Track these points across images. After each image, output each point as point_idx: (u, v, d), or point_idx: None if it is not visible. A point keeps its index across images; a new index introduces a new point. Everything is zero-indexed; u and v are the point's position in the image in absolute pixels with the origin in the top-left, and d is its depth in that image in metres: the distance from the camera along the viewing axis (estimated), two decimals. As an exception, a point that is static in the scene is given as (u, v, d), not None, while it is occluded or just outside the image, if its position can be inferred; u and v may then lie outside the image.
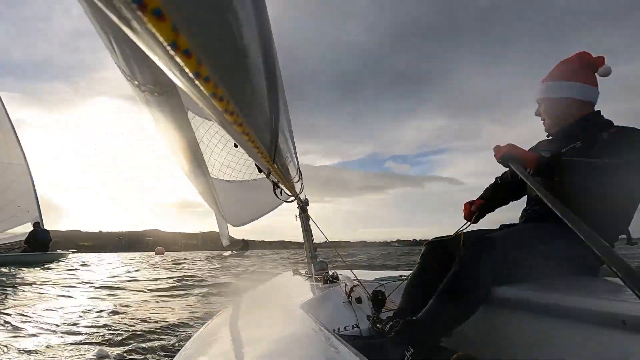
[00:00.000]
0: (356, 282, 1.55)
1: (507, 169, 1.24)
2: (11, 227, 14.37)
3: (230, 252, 26.40)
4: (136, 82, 0.84)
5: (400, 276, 1.83)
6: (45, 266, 11.13)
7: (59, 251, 14.96)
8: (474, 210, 1.54)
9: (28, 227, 14.55)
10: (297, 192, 2.03)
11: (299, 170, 1.89)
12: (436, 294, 1.10)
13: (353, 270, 1.87)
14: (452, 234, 1.41)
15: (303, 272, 2.78)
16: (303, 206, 2.58)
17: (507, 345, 1.12)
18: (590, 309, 0.89)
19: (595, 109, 1.39)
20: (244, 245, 27.57)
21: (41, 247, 13.51)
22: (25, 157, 14.81)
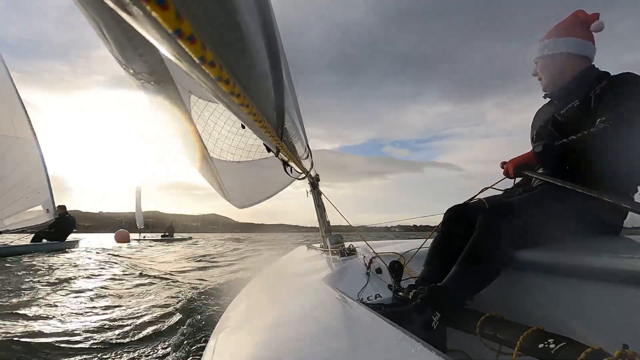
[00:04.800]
0: (374, 255, 1.57)
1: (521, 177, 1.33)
2: (21, 210, 12.77)
3: (158, 235, 25.86)
4: (131, 71, 0.83)
5: (417, 246, 1.85)
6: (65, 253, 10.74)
7: (71, 239, 13.80)
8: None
9: (39, 212, 13.08)
10: (307, 169, 2.03)
11: (308, 147, 1.89)
12: (459, 260, 1.12)
13: (370, 243, 1.89)
14: (471, 198, 1.41)
15: (317, 246, 2.83)
16: (314, 182, 2.59)
17: (530, 306, 1.13)
18: (613, 268, 0.89)
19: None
20: (170, 230, 26.97)
21: (60, 236, 12.55)
22: (34, 132, 13.27)
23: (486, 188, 1.42)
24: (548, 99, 1.52)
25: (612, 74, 1.29)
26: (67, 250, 11.79)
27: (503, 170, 1.34)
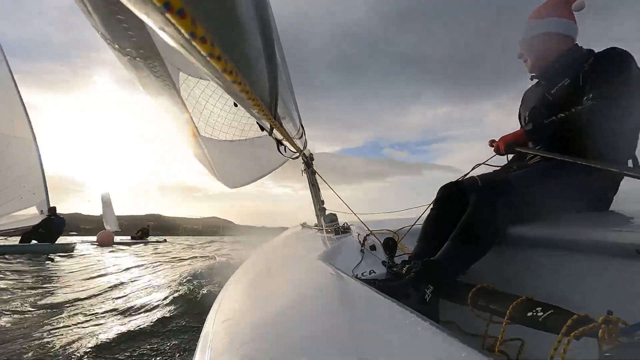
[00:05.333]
0: (368, 232, 1.59)
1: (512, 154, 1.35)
2: (14, 211, 12.45)
3: (129, 238, 24.73)
4: (117, 46, 0.80)
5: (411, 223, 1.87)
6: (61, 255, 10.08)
7: (67, 241, 13.51)
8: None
9: (32, 212, 12.76)
10: (301, 147, 2.02)
11: (301, 125, 1.87)
12: (452, 236, 1.14)
13: (363, 220, 1.91)
14: (464, 175, 1.42)
15: (312, 225, 2.85)
16: (308, 161, 2.59)
17: (521, 279, 1.17)
18: (604, 241, 0.91)
19: None
20: (144, 232, 25.20)
21: (50, 238, 11.94)
22: (32, 131, 12.90)
23: (479, 164, 1.42)
24: (535, 81, 1.53)
25: (596, 51, 1.30)
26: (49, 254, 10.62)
27: (493, 147, 1.35)
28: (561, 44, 1.39)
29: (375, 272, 1.26)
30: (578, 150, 1.16)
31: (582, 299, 0.96)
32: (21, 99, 12.83)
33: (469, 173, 1.42)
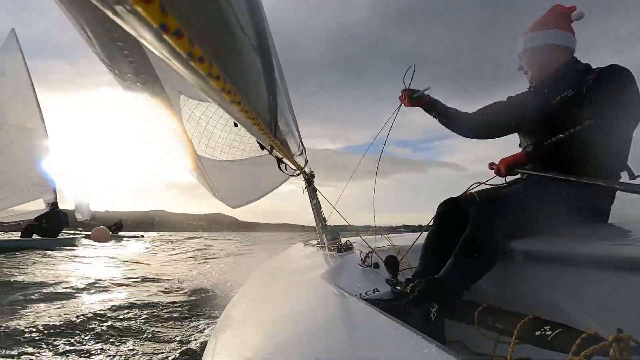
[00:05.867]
0: (370, 250, 1.58)
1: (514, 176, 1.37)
2: (21, 203, 12.19)
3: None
4: (117, 72, 0.81)
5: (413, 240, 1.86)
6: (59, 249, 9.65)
7: (72, 235, 13.21)
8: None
9: (39, 205, 12.48)
10: (302, 165, 2.02)
11: (302, 143, 1.87)
12: (454, 252, 1.13)
13: (365, 238, 1.89)
14: (464, 193, 1.42)
15: (314, 242, 2.81)
16: (309, 179, 2.58)
17: (526, 295, 1.15)
18: (603, 255, 0.90)
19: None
20: (117, 226, 24.14)
21: (52, 232, 11.62)
22: (44, 124, 12.79)
23: (479, 184, 1.44)
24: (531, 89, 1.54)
25: (594, 67, 1.33)
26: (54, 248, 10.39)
27: (494, 170, 1.36)
28: (561, 56, 1.41)
29: (379, 291, 1.25)
30: (575, 166, 1.18)
31: (587, 314, 0.94)
32: (34, 92, 12.83)
33: (468, 190, 1.43)
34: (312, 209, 2.67)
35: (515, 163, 1.30)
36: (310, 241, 3.15)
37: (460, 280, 1.08)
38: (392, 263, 1.31)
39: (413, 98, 1.69)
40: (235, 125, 1.00)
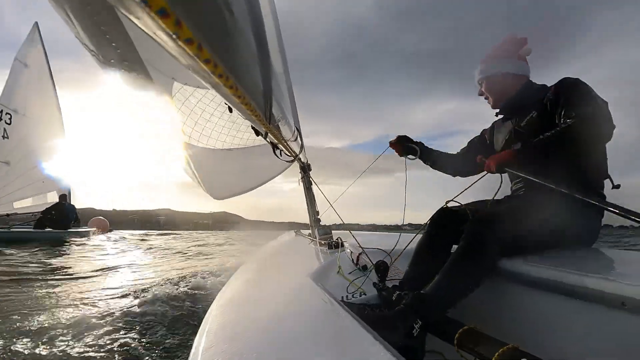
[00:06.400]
0: (361, 251, 1.57)
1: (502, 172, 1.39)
2: (35, 194, 12.26)
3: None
4: (101, 58, 0.79)
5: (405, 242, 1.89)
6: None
7: (83, 228, 12.97)
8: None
9: (54, 198, 12.49)
10: (297, 152, 2.01)
11: (297, 129, 1.86)
12: (443, 269, 1.15)
13: (357, 236, 1.88)
14: (457, 195, 1.45)
15: (306, 233, 2.80)
16: (304, 167, 2.56)
17: (509, 317, 1.17)
18: (591, 288, 0.92)
19: None
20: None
21: (62, 225, 11.63)
22: (61, 118, 12.76)
23: (471, 184, 1.47)
24: (501, 116, 1.65)
25: (549, 85, 1.44)
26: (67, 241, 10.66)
27: (484, 166, 1.37)
28: (516, 82, 1.53)
29: (365, 295, 1.27)
30: (562, 167, 1.24)
31: (567, 347, 0.96)
32: (54, 86, 12.79)
33: (461, 193, 1.45)
34: (306, 200, 2.65)
35: (505, 161, 1.32)
36: (302, 230, 3.16)
37: (446, 298, 1.09)
38: (381, 268, 1.31)
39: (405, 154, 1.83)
40: (230, 110, 0.99)
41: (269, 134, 1.07)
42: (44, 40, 13.04)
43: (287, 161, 2.15)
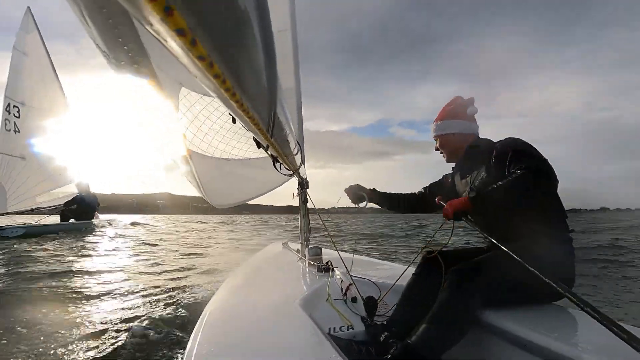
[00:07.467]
0: (351, 282, 1.58)
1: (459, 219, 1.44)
2: (55, 187, 12.11)
3: None
4: (112, 59, 0.80)
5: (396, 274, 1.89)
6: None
7: (98, 218, 13.13)
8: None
9: (73, 189, 12.54)
10: (297, 166, 2.02)
11: (299, 144, 1.87)
12: (430, 318, 1.20)
13: (346, 260, 1.89)
14: (436, 231, 1.57)
15: (294, 248, 2.78)
16: (302, 182, 2.56)
17: None
18: (545, 346, 0.99)
19: None
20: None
21: (86, 214, 11.84)
22: (66, 102, 12.62)
23: (450, 227, 1.52)
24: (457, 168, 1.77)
25: (494, 141, 1.58)
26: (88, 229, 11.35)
27: (443, 211, 1.45)
28: (465, 140, 1.68)
29: (353, 329, 1.28)
30: (519, 213, 1.35)
31: None
32: (56, 74, 12.53)
33: (437, 232, 1.59)
34: (300, 216, 2.64)
35: (461, 210, 1.38)
36: (289, 243, 3.14)
37: (433, 349, 1.14)
38: (370, 304, 1.35)
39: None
40: (234, 121, 1.00)
41: (269, 147, 1.08)
42: (38, 24, 12.62)
43: (286, 175, 2.16)
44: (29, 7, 12.74)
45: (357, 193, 1.96)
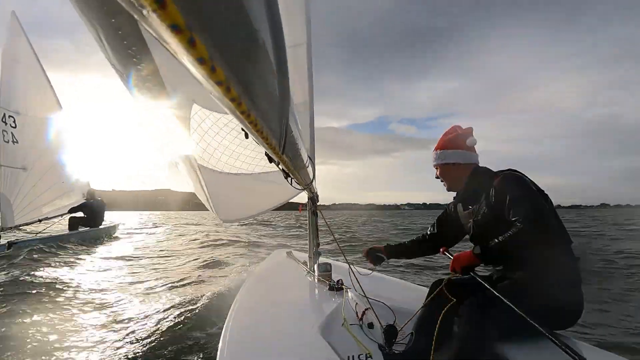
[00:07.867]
0: (367, 306, 1.56)
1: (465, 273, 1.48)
2: (58, 197, 11.76)
3: None
4: (125, 77, 0.81)
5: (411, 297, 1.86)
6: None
7: (109, 223, 12.81)
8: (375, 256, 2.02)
9: (78, 197, 12.26)
10: (309, 179, 2.00)
11: (310, 158, 1.86)
12: (449, 355, 1.21)
13: (357, 274, 1.90)
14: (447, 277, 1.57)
15: (300, 260, 2.76)
16: (313, 197, 2.55)
17: None
18: None
19: None
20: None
21: (95, 222, 11.58)
22: (60, 108, 12.28)
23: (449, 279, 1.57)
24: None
25: (494, 171, 1.62)
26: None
27: (450, 266, 1.49)
28: (465, 170, 1.69)
29: (372, 358, 1.28)
30: (527, 259, 1.38)
31: None
32: (48, 79, 12.20)
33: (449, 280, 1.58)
34: (309, 231, 2.62)
35: (468, 265, 1.43)
36: (293, 252, 3.10)
37: None
38: (390, 332, 1.35)
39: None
40: (246, 136, 0.99)
41: (280, 163, 1.07)
42: (31, 25, 12.17)
43: (297, 189, 2.15)
44: (13, 12, 12.24)
45: (376, 255, 2.04)
